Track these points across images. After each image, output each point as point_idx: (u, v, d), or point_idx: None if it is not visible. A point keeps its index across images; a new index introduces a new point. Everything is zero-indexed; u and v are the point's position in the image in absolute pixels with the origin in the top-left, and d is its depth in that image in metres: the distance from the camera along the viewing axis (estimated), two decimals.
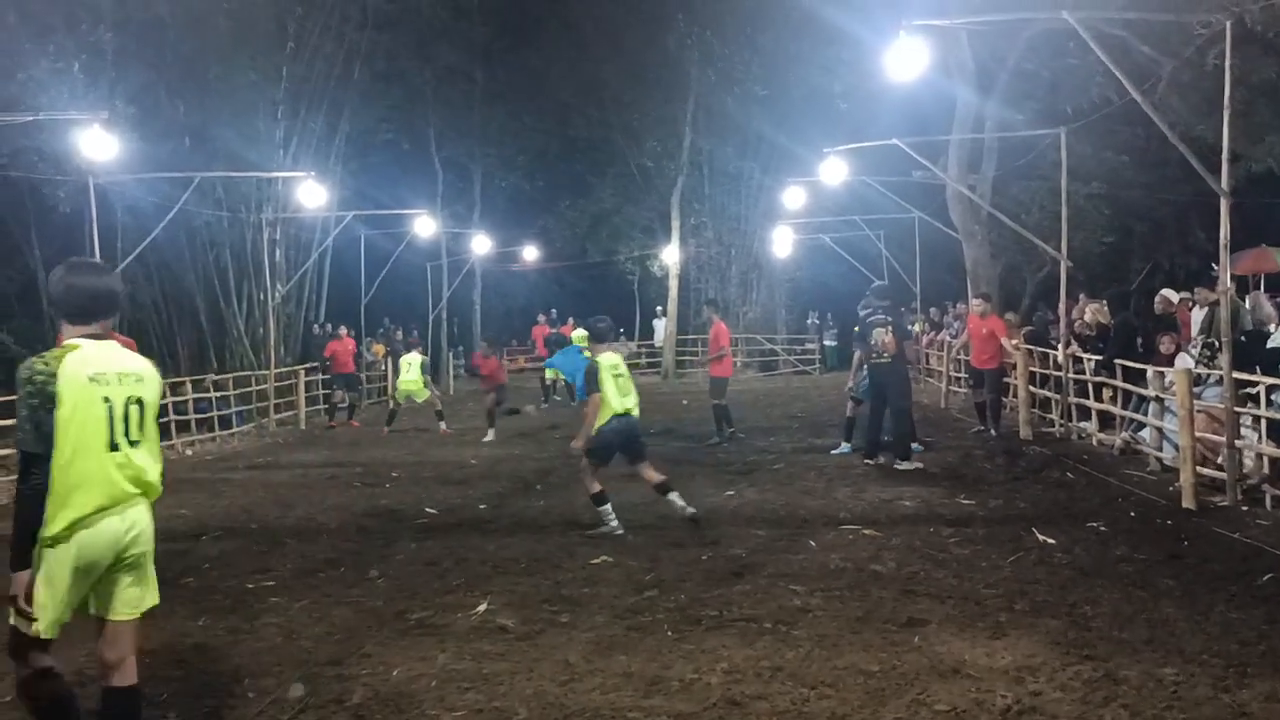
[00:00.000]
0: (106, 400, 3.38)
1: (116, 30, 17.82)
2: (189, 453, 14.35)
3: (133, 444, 3.45)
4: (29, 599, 3.26)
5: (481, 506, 9.24)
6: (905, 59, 10.40)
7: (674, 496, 7.95)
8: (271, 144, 21.78)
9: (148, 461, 3.51)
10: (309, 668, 4.92)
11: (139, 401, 3.48)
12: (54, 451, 3.26)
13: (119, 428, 3.40)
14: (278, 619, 5.80)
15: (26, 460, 3.31)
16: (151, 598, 3.61)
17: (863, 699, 4.31)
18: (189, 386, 16.34)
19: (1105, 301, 12.95)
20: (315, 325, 23.34)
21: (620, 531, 7.74)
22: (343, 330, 19.15)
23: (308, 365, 19.70)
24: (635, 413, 7.99)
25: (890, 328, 10.74)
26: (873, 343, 10.75)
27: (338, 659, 5.04)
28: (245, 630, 5.61)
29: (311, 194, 17.70)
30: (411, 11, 26.44)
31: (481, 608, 5.83)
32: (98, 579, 3.44)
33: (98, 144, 12.30)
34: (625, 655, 4.95)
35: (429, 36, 27.92)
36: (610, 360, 7.99)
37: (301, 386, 18.36)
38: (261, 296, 20.92)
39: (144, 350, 15.08)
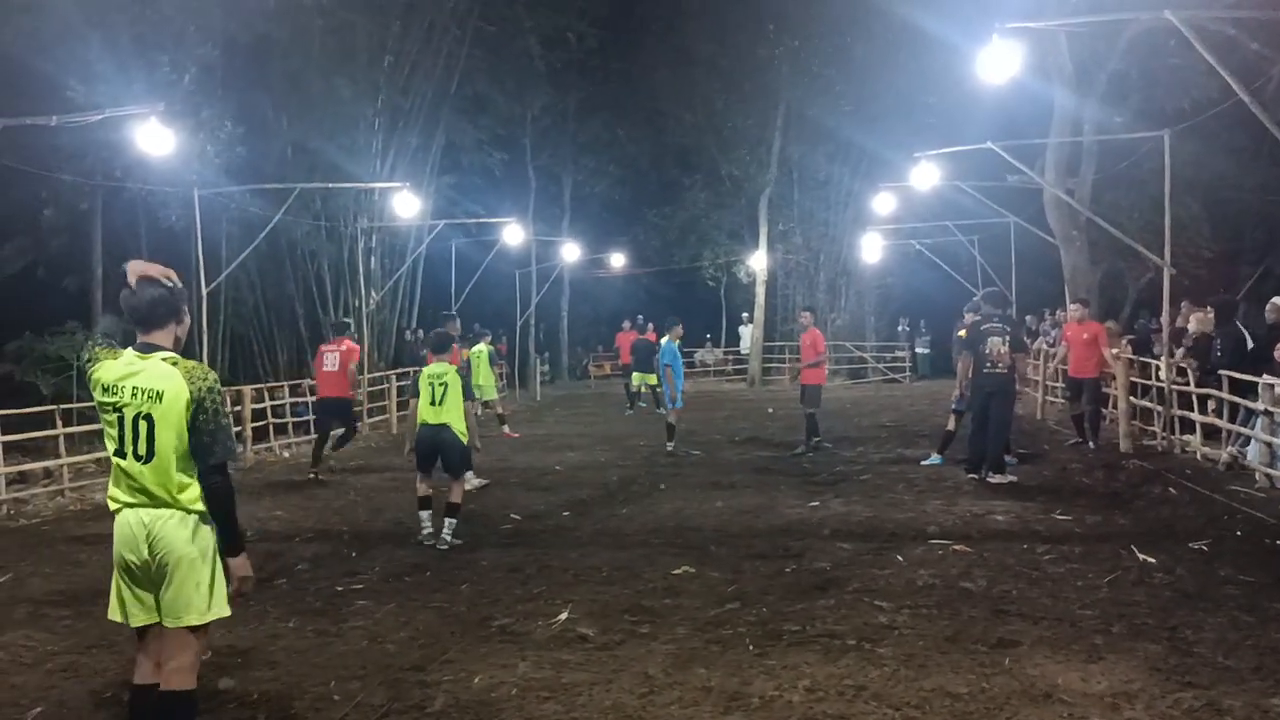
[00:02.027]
0: (117, 410, 3.55)
1: (224, 49, 18.47)
2: (285, 455, 14.74)
3: (138, 458, 3.53)
4: None
5: (565, 514, 9.29)
6: (998, 62, 10.17)
7: (448, 522, 8.04)
8: (369, 156, 22.34)
9: (155, 477, 3.53)
10: (393, 672, 5.01)
11: (148, 419, 3.52)
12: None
13: (128, 438, 3.54)
14: (365, 622, 5.92)
15: None
16: (192, 613, 3.57)
17: None
18: (287, 390, 16.81)
19: (1209, 309, 12.39)
20: (407, 331, 23.81)
21: (428, 541, 7.97)
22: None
23: (399, 370, 20.11)
24: (450, 424, 8.07)
25: (1007, 338, 10.44)
26: (987, 351, 10.42)
27: (421, 664, 5.11)
28: (333, 633, 5.73)
29: (406, 204, 18.08)
30: (511, 31, 26.82)
31: (563, 616, 5.86)
32: (150, 582, 3.57)
33: (154, 138, 11.58)
34: (705, 669, 4.92)
35: (528, 53, 28.27)
36: (434, 370, 8.23)
37: (393, 391, 18.74)
38: (357, 303, 21.44)
39: (245, 355, 15.34)
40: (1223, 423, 10.72)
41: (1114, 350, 13.17)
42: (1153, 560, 6.81)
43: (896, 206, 22.42)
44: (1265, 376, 9.86)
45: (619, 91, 31.86)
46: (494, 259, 24.49)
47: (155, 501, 3.54)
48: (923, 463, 11.65)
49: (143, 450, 3.52)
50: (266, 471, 13.09)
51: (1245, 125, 15.93)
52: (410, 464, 8.69)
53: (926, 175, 16.72)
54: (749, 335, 30.64)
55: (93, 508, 10.59)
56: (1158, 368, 12.67)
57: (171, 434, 3.52)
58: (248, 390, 14.70)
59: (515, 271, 26.23)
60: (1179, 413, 11.99)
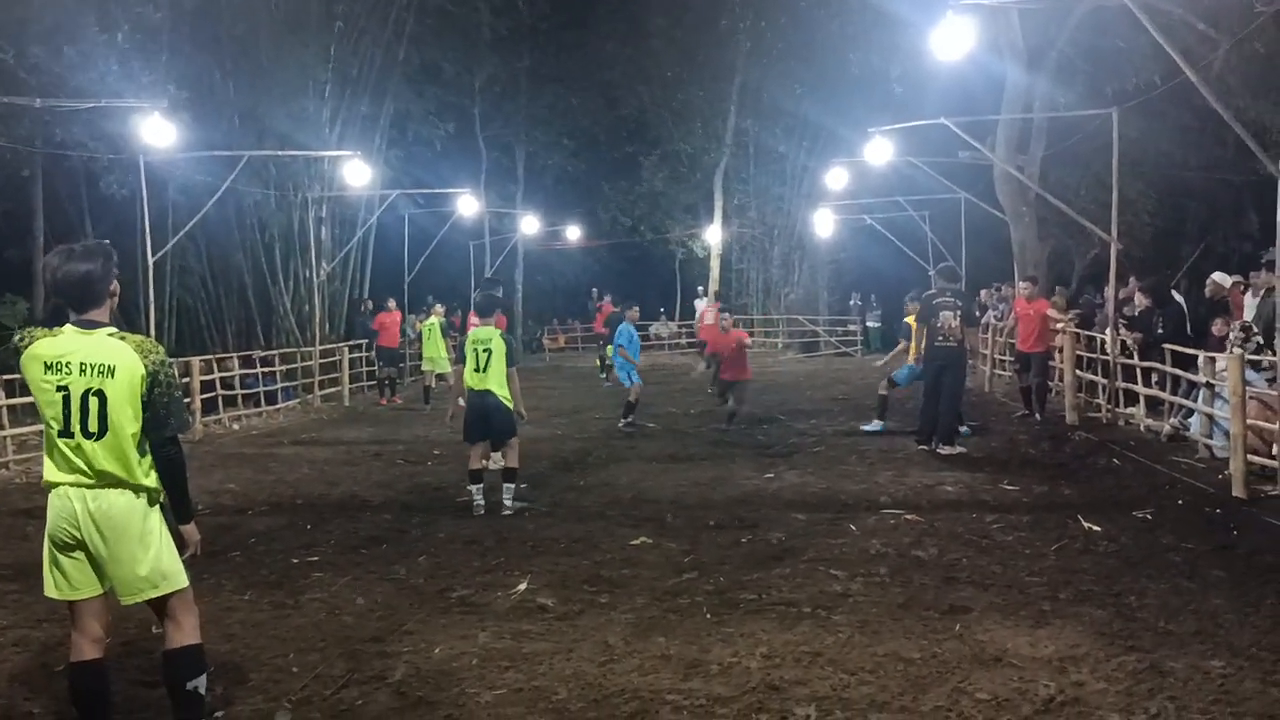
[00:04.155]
0: (61, 389, 3.43)
1: (170, 9, 17.99)
2: (235, 428, 14.57)
3: (88, 435, 3.44)
4: None
5: (522, 485, 9.27)
6: (952, 39, 10.26)
7: (506, 488, 8.10)
8: (318, 123, 21.94)
9: (107, 454, 3.46)
10: (352, 644, 5.00)
11: (99, 394, 3.43)
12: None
13: (74, 417, 3.44)
14: (321, 595, 5.89)
15: None
16: (159, 585, 3.57)
17: (903, 686, 4.29)
18: (236, 362, 16.58)
19: (1141, 292, 12.66)
20: (363, 304, 23.52)
21: (477, 513, 7.94)
22: (391, 303, 19.31)
23: (351, 343, 19.93)
24: (495, 390, 8.05)
25: (959, 312, 10.60)
26: (939, 325, 10.56)
27: (380, 636, 5.11)
28: (290, 605, 5.70)
29: (357, 173, 17.83)
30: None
31: (521, 587, 5.88)
32: (91, 558, 3.54)
33: (157, 132, 12.70)
34: (664, 637, 4.97)
35: (477, 18, 27.88)
36: (479, 335, 8.16)
37: (345, 363, 18.57)
38: (307, 274, 21.14)
39: (192, 326, 15.26)
40: (1165, 395, 10.99)
41: (1060, 324, 13.42)
42: (1098, 529, 6.98)
43: (850, 182, 22.54)
44: (1203, 351, 10.13)
45: (571, 62, 31.58)
46: (448, 231, 24.27)
47: (103, 480, 3.47)
48: (864, 428, 11.82)
49: (94, 428, 3.43)
50: (216, 444, 12.93)
51: (1190, 105, 16.26)
52: (454, 430, 8.62)
53: (880, 150, 16.81)
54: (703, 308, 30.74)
55: (38, 480, 10.37)
56: (1103, 341, 12.94)
57: (126, 409, 3.45)
58: (196, 362, 14.47)
59: (469, 243, 26.03)
60: (1123, 385, 12.27)
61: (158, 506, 3.61)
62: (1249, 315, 11.02)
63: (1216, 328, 10.53)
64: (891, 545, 6.70)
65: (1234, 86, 14.73)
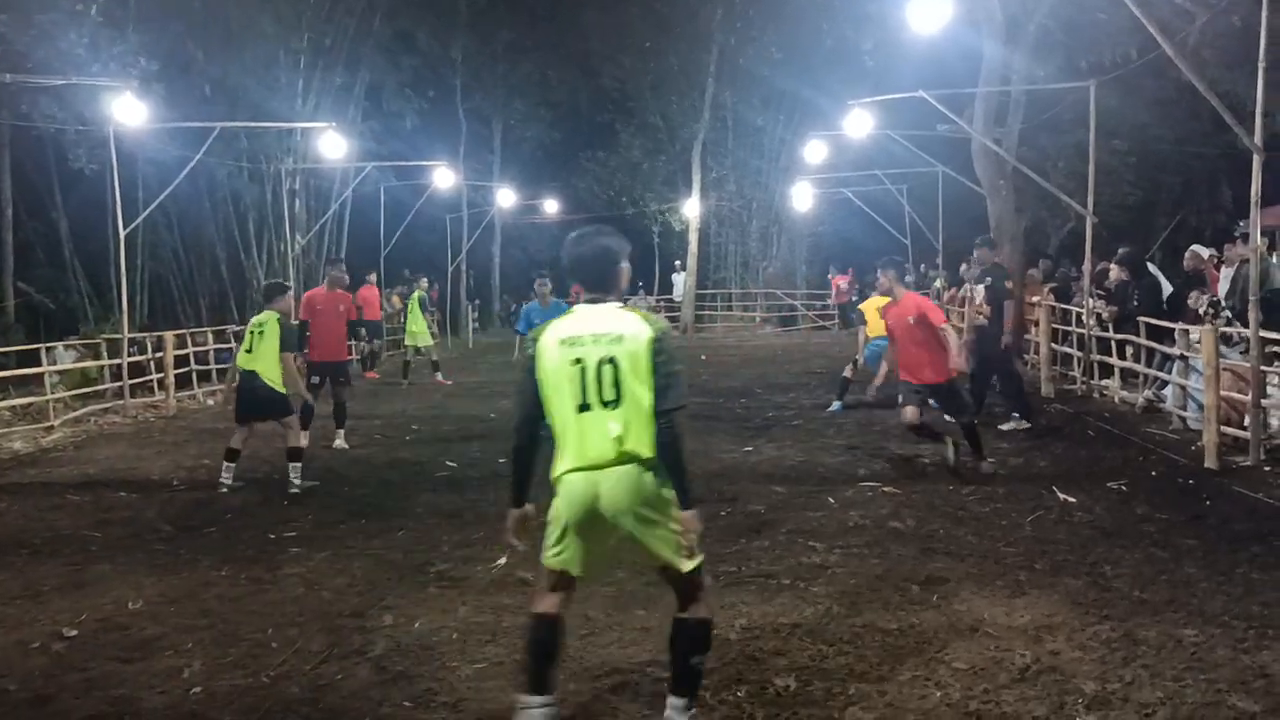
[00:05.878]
0: (578, 362, 3.45)
1: None
2: (210, 402, 14.43)
3: (605, 404, 3.43)
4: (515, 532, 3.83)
5: (500, 460, 9.24)
6: (929, 10, 10.25)
7: (292, 467, 8.15)
8: (292, 95, 21.68)
9: (624, 424, 3.41)
10: (331, 619, 4.98)
11: (612, 361, 3.42)
12: (547, 410, 3.55)
13: (591, 388, 3.43)
14: (300, 570, 5.86)
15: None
16: (679, 563, 3.50)
17: (881, 656, 4.32)
18: (210, 336, 16.43)
19: (1115, 263, 12.73)
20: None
21: (221, 489, 8.02)
22: (371, 277, 19.20)
23: None
24: (261, 373, 8.09)
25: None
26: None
27: (360, 610, 5.09)
28: (268, 581, 5.67)
29: (332, 145, 17.62)
30: None
31: (501, 561, 5.86)
32: (606, 541, 3.59)
33: (128, 110, 13.07)
34: (644, 610, 4.98)
35: None
36: (258, 318, 8.33)
37: None
38: (281, 247, 20.95)
39: (165, 300, 15.10)
40: (1140, 367, 11.08)
41: (1036, 298, 13.49)
42: (1073, 500, 7.04)
43: (829, 155, 22.53)
44: (1179, 324, 10.22)
45: (550, 32, 31.28)
46: (424, 204, 24.09)
47: (620, 455, 3.41)
48: (827, 411, 11.85)
49: (610, 395, 3.42)
50: (190, 419, 12.82)
51: (1166, 78, 16.29)
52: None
53: (859, 123, 16.79)
54: (682, 283, 30.71)
55: (10, 456, 10.28)
56: (1078, 314, 13.02)
57: (639, 373, 3.43)
58: (169, 336, 14.33)
59: (446, 217, 25.84)
60: (1098, 358, 12.36)
61: (664, 477, 3.50)
62: (1223, 288, 11.10)
63: (1192, 299, 10.61)
64: (869, 517, 6.74)
65: (1209, 59, 14.75)
